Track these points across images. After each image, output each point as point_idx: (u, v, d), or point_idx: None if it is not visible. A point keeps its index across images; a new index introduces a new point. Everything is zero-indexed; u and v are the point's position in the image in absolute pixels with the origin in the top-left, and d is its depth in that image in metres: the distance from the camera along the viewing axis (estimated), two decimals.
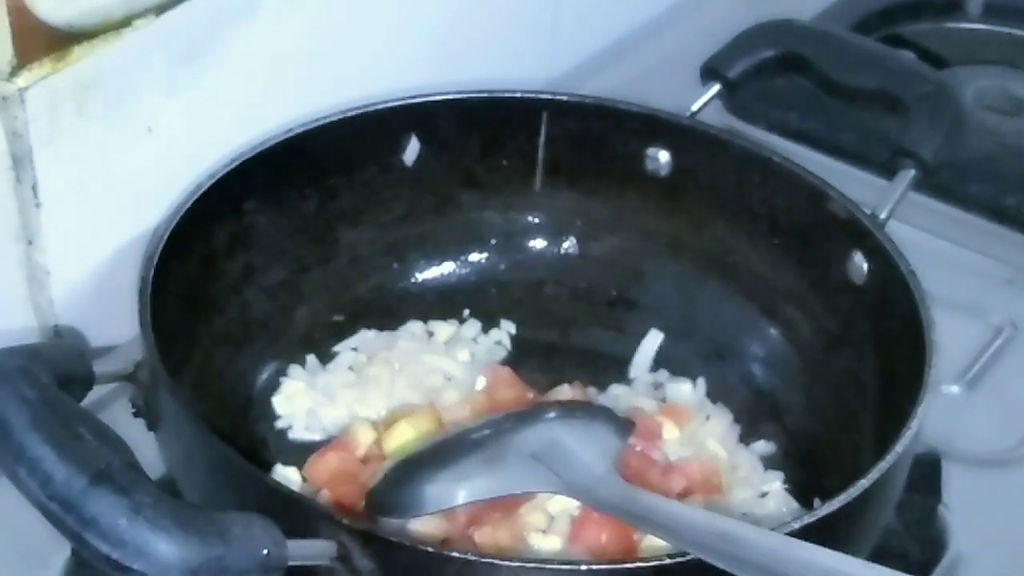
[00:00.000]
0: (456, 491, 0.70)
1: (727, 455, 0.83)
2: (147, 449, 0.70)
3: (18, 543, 0.77)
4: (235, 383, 0.84)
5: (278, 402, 0.85)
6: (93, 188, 0.82)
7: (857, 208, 0.83)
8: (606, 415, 0.75)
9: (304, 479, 0.80)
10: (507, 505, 0.74)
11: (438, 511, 0.71)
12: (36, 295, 0.83)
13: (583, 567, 0.62)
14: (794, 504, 0.80)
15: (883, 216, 0.83)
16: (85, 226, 0.83)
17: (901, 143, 0.85)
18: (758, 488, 0.81)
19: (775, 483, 0.81)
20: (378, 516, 0.70)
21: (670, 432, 0.83)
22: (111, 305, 0.81)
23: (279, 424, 0.85)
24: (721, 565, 0.61)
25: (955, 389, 0.92)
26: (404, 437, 0.80)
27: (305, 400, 0.85)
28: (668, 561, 0.63)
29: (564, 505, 0.75)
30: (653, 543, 0.73)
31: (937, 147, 0.85)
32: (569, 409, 0.76)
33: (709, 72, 0.92)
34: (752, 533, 0.64)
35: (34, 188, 0.78)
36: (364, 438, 0.81)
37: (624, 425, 0.75)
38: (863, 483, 0.67)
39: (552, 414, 0.74)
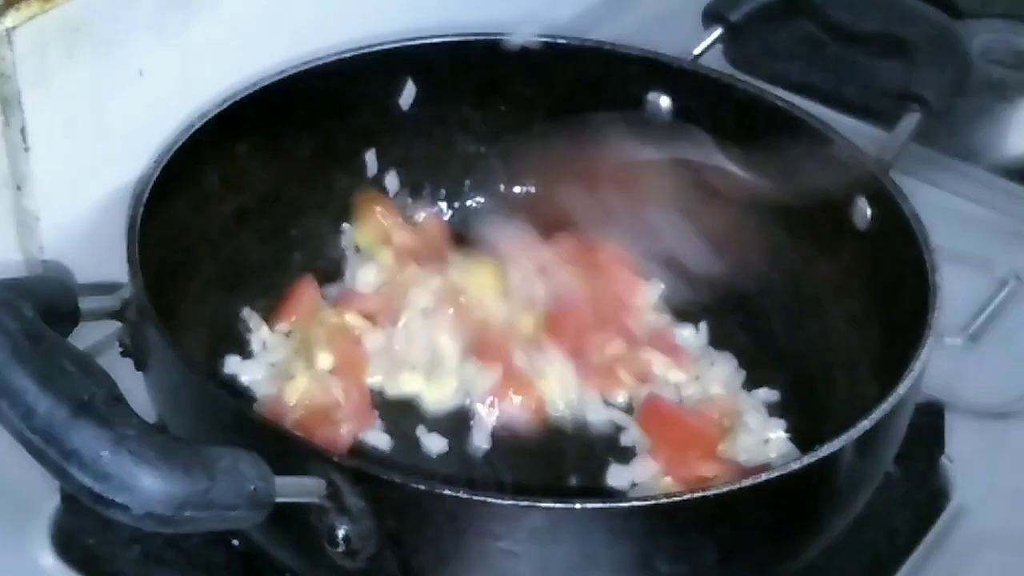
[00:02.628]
0: None
1: (732, 401, 0.82)
2: (140, 397, 0.70)
3: (6, 493, 0.76)
4: (228, 325, 0.83)
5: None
6: (84, 132, 0.81)
7: (861, 152, 0.82)
8: None
9: None
10: None
11: None
12: (26, 241, 0.82)
13: (577, 506, 0.61)
14: (796, 452, 0.79)
15: (888, 160, 0.82)
16: (75, 171, 0.82)
17: (906, 86, 0.84)
18: (761, 435, 0.80)
19: (778, 431, 0.80)
20: None
21: (675, 375, 0.82)
22: (102, 251, 0.80)
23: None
24: None
25: (959, 341, 0.91)
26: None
27: None
28: (663, 501, 0.62)
29: None
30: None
31: (943, 89, 0.84)
32: None
33: (711, 15, 0.91)
34: None
35: (23, 131, 0.77)
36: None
37: None
38: (864, 424, 0.66)
39: None
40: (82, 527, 0.76)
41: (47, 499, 0.76)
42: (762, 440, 0.80)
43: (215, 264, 0.83)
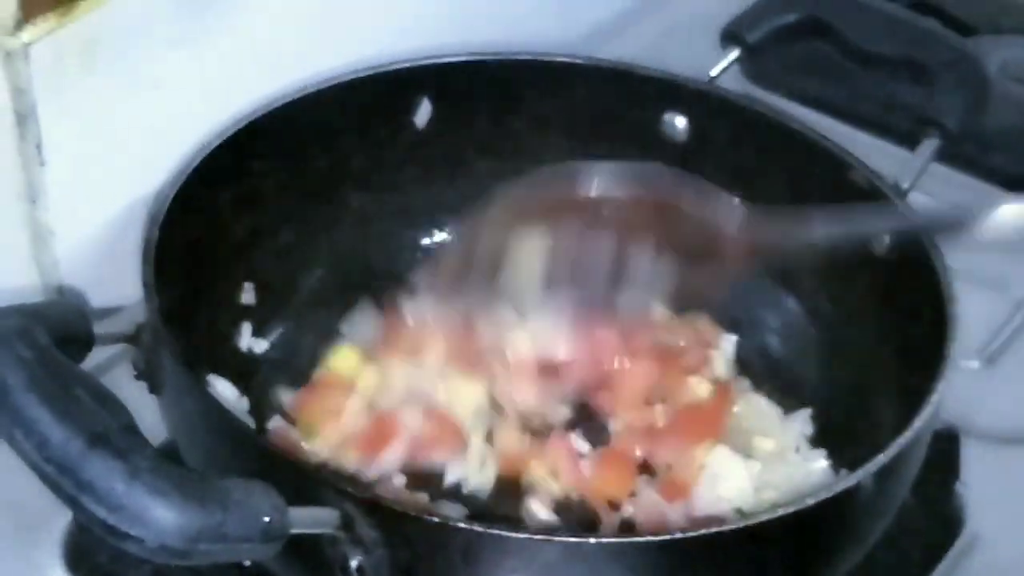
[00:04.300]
0: None
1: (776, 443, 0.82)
2: (150, 414, 0.69)
3: (18, 507, 0.76)
4: (242, 347, 0.83)
5: None
6: (99, 146, 0.81)
7: (879, 178, 0.81)
8: None
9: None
10: None
11: None
12: (40, 255, 0.82)
13: (591, 540, 0.61)
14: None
15: (906, 186, 0.82)
16: (90, 185, 0.82)
17: (925, 112, 0.84)
18: (802, 467, 0.80)
19: (820, 460, 0.80)
20: None
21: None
22: (116, 266, 0.80)
23: None
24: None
25: (974, 364, 0.90)
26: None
27: None
28: (679, 536, 0.62)
29: None
30: None
31: (962, 116, 0.84)
32: None
33: (729, 36, 0.90)
34: None
35: (38, 146, 0.77)
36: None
37: None
38: (881, 459, 0.65)
39: None
40: (94, 544, 0.75)
41: (59, 515, 0.76)
42: (804, 472, 0.79)
43: (229, 283, 0.83)
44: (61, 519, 0.76)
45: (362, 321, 0.86)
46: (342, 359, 0.83)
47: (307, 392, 0.82)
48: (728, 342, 0.86)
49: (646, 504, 0.77)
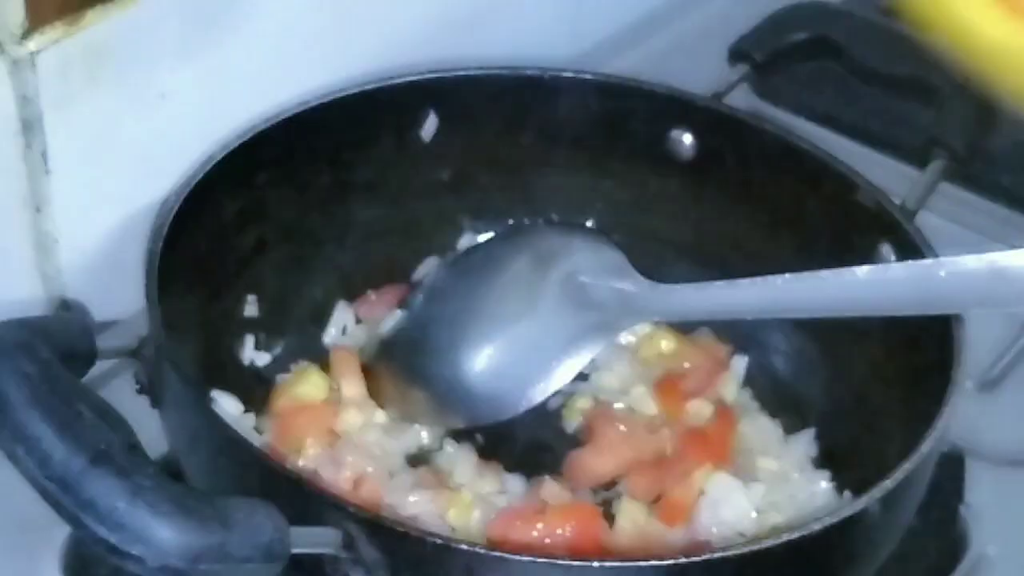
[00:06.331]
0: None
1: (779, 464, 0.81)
2: (151, 427, 0.69)
3: (19, 519, 0.75)
4: (244, 360, 0.83)
5: None
6: (104, 156, 0.81)
7: (886, 199, 0.81)
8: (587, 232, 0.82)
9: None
10: None
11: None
12: (43, 264, 0.81)
13: (595, 564, 0.60)
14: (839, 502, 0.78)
15: (913, 207, 0.81)
16: (95, 194, 0.81)
17: (933, 132, 0.84)
18: (806, 488, 0.80)
19: (821, 482, 0.80)
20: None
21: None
22: (120, 275, 0.80)
23: None
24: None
25: (979, 386, 0.89)
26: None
27: None
28: (683, 560, 0.61)
29: None
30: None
31: (969, 136, 0.83)
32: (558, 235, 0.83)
33: (738, 54, 0.90)
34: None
35: (43, 154, 0.77)
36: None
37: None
38: (887, 484, 0.65)
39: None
40: (94, 555, 0.74)
41: (59, 526, 0.75)
42: (808, 493, 0.79)
43: (232, 296, 0.82)
44: (61, 531, 0.76)
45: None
46: (310, 384, 0.81)
47: (281, 419, 0.80)
48: (739, 363, 0.86)
49: (647, 530, 0.76)
